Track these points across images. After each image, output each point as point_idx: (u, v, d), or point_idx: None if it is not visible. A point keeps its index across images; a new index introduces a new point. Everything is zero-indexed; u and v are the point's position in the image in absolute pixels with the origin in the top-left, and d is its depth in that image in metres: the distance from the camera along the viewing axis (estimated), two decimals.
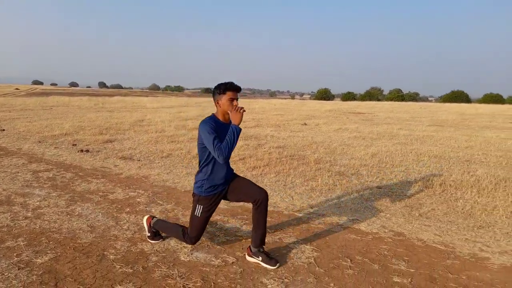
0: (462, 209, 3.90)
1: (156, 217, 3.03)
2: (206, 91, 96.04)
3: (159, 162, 5.96)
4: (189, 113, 16.10)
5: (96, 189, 4.36)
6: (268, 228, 3.28)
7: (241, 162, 5.95)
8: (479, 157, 6.83)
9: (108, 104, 22.45)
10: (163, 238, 3.00)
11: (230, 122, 2.62)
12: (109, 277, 2.40)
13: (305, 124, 13.05)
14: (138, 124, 10.97)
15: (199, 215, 2.69)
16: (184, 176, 5.13)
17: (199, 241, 2.95)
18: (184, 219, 3.48)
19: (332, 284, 2.39)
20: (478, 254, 2.86)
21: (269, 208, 3.81)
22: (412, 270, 2.60)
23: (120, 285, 2.30)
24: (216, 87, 2.63)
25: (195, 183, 2.73)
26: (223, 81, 2.62)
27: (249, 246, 2.73)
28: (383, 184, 4.89)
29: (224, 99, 2.57)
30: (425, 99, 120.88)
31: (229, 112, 2.57)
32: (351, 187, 4.71)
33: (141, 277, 2.41)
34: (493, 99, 63.71)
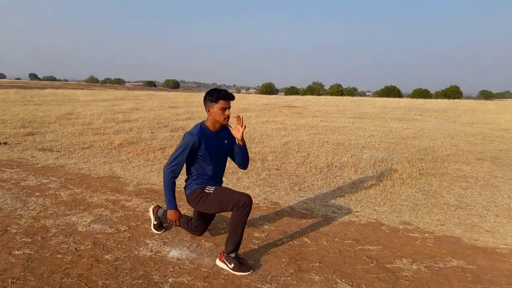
0: (336, 183, 4.73)
1: (162, 208, 3.12)
2: (149, 84, 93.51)
3: (78, 153, 6.20)
4: (123, 106, 15.97)
5: (9, 178, 4.57)
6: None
7: (160, 152, 6.38)
8: (374, 144, 7.89)
9: (38, 97, 21.31)
10: (165, 229, 3.10)
11: (221, 129, 2.66)
12: (9, 245, 2.78)
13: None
14: (65, 118, 10.84)
15: (212, 192, 2.64)
16: (101, 164, 5.46)
17: (99, 215, 3.40)
18: (91, 199, 3.88)
19: (203, 241, 2.98)
20: (329, 215, 3.63)
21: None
22: (272, 228, 3.28)
23: (18, 251, 2.70)
24: (208, 94, 2.56)
25: (186, 189, 2.78)
26: (214, 88, 2.61)
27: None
28: (282, 167, 5.62)
29: (216, 108, 2.52)
30: (363, 94, 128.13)
31: (230, 128, 2.64)
32: (253, 170, 5.37)
33: (38, 244, 2.81)
34: (422, 94, 69.63)
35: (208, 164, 2.67)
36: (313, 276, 2.48)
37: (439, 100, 37.58)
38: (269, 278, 2.44)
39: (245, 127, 2.63)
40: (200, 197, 2.66)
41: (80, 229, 3.12)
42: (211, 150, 2.61)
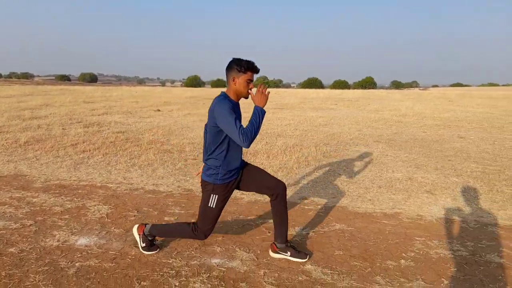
0: None
1: (148, 224, 2.73)
2: (62, 78, 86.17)
3: None
4: (31, 102, 14.73)
5: None
6: (75, 197, 3.81)
7: (71, 148, 6.16)
8: (289, 132, 8.47)
9: None
10: (159, 248, 2.72)
11: (238, 102, 2.47)
12: None
13: (159, 110, 13.47)
14: None
15: (213, 206, 2.48)
16: (4, 163, 5.14)
17: (3, 213, 3.29)
18: None
19: (113, 228, 3.09)
20: (237, 197, 3.95)
21: (82, 183, 4.32)
22: (182, 212, 3.49)
23: None
24: (236, 63, 2.34)
25: (207, 170, 2.49)
26: (241, 58, 2.37)
27: (273, 243, 2.68)
28: (199, 156, 5.83)
29: (242, 78, 2.35)
30: (288, 86, 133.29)
31: (251, 93, 2.39)
32: (170, 160, 5.50)
33: None
34: (341, 85, 74.83)
35: (233, 142, 2.42)
36: (215, 248, 2.76)
37: (355, 91, 40.73)
38: (174, 253, 2.66)
39: (269, 92, 2.42)
40: (207, 193, 2.50)
41: None
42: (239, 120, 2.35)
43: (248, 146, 2.24)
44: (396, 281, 2.37)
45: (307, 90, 39.38)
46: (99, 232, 2.99)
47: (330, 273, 2.46)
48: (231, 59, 2.40)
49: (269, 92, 2.41)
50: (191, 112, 12.68)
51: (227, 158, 2.43)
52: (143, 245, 2.66)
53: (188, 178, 4.60)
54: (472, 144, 7.05)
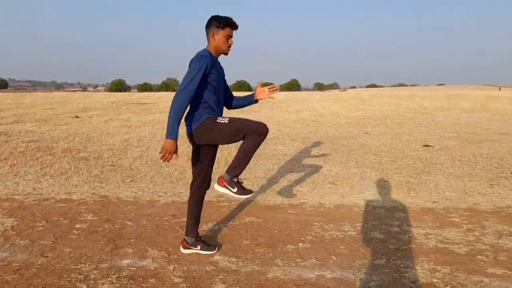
0: (167, 172, 5.16)
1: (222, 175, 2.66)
2: None
3: None
4: None
5: None
6: None
7: None
8: None
9: None
10: (252, 192, 2.72)
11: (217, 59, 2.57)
12: None
13: (77, 116, 12.76)
14: None
15: (227, 121, 2.49)
16: None
17: None
18: None
19: (18, 240, 2.99)
20: (154, 199, 4.03)
21: None
22: (95, 218, 3.48)
23: None
24: (215, 19, 2.46)
25: (194, 121, 2.54)
26: (219, 15, 2.49)
27: (184, 239, 2.82)
28: (117, 162, 5.74)
29: (221, 34, 2.46)
30: None
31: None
32: (85, 168, 5.34)
33: None
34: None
35: (213, 93, 2.51)
36: (127, 250, 2.83)
37: (280, 92, 42.36)
38: (84, 259, 2.68)
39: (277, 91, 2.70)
40: (213, 126, 2.49)
41: None
42: (219, 75, 2.51)
43: (175, 99, 2.35)
44: (293, 262, 2.69)
45: (235, 93, 40.00)
46: (1, 246, 2.88)
47: (236, 261, 2.69)
48: (210, 17, 2.51)
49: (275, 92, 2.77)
50: (113, 118, 12.23)
51: (206, 102, 2.51)
52: (235, 190, 2.61)
53: (104, 185, 4.54)
54: (375, 139, 7.91)
